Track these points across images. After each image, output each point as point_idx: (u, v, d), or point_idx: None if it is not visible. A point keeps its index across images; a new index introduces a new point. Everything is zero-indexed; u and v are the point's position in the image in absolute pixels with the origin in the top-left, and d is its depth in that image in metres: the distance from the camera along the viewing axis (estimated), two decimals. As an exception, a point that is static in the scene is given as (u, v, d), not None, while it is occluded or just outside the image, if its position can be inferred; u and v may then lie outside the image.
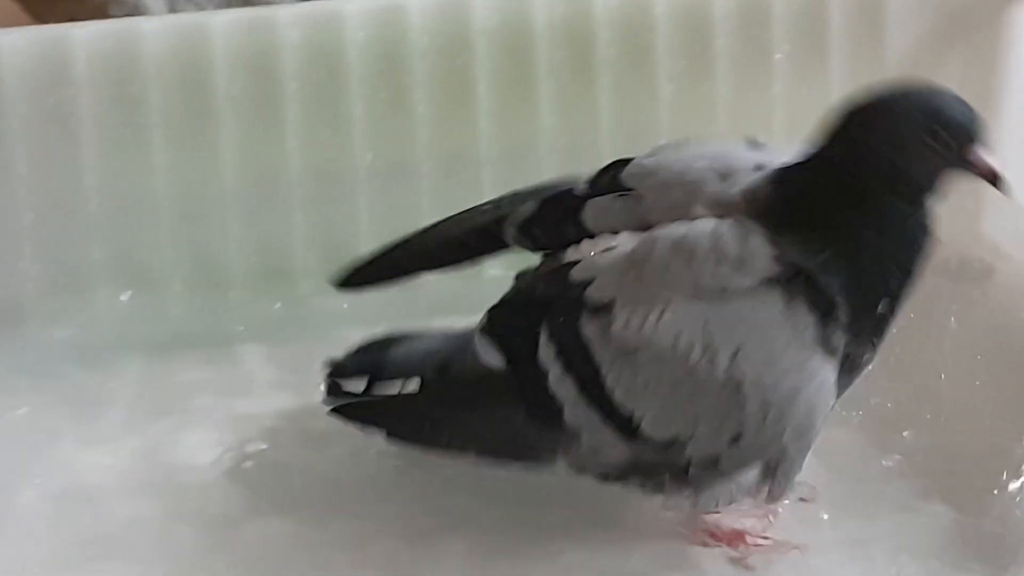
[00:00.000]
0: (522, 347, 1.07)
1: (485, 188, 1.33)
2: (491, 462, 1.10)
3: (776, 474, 1.05)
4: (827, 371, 1.02)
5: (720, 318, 1.01)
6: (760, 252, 1.02)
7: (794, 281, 1.02)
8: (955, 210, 1.42)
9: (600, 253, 1.07)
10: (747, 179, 1.06)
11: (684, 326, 1.02)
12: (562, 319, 1.05)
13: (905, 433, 1.21)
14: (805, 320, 1.01)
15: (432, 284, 1.23)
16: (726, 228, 1.03)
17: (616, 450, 1.06)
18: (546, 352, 1.06)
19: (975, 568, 1.09)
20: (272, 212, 1.32)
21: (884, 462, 1.18)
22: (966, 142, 1.01)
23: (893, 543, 1.11)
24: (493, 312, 1.11)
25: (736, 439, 1.03)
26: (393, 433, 1.14)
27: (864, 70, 1.39)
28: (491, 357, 1.09)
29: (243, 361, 1.30)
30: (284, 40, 1.28)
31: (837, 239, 1.02)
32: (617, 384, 1.04)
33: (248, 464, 1.18)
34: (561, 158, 1.34)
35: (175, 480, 1.16)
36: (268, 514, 1.13)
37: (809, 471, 1.09)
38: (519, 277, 1.14)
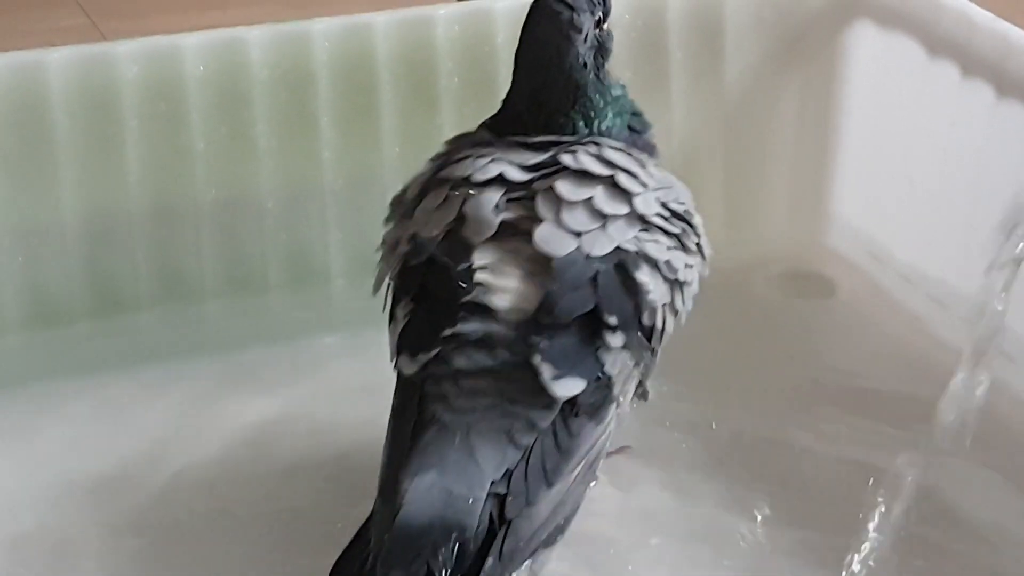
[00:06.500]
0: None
1: (329, 220, 1.34)
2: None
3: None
4: None
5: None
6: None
7: None
8: (797, 225, 1.46)
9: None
10: None
11: None
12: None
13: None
14: None
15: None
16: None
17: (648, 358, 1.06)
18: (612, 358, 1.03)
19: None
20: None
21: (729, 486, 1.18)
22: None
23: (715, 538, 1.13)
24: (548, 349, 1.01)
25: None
26: None
27: (704, 92, 1.42)
28: (564, 387, 1.01)
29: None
30: (122, 75, 1.26)
31: None
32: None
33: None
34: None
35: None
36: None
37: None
38: None
